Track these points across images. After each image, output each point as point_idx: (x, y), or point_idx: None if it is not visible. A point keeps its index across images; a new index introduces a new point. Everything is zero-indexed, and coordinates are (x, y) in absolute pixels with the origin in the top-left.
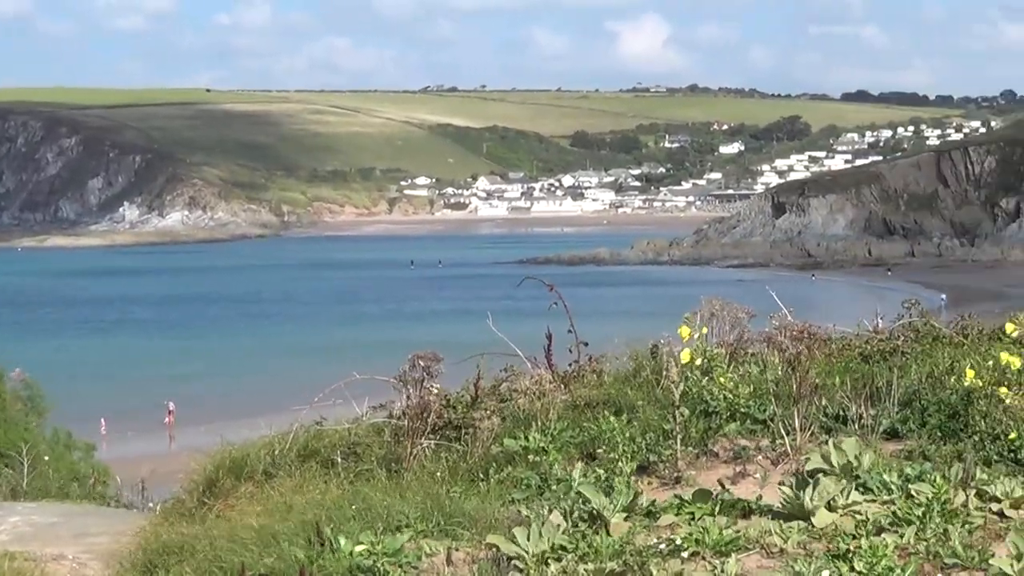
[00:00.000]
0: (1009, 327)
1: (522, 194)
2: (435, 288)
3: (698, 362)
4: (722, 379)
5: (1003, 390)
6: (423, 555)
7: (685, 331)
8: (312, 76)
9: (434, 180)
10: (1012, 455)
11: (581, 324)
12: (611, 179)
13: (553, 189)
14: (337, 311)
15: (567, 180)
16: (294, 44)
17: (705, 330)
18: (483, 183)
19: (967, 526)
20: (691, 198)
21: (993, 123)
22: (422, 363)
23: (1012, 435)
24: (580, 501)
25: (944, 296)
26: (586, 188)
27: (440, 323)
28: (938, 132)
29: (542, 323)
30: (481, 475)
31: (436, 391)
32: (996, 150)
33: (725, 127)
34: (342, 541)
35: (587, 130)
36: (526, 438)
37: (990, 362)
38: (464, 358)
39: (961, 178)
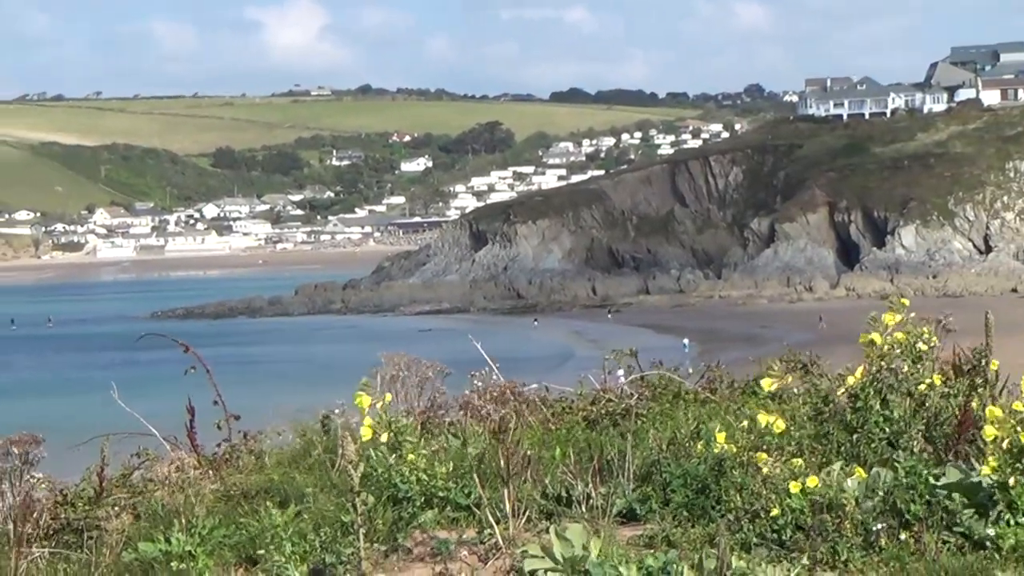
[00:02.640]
0: (766, 383)
1: (153, 229)
2: (42, 352)
3: (383, 437)
4: (412, 456)
5: (761, 456)
6: None
7: (364, 399)
8: None
9: (39, 214)
10: (775, 536)
11: (233, 393)
12: (266, 207)
13: (192, 222)
14: None
15: (210, 210)
16: None
17: (389, 397)
18: (102, 216)
19: None
20: (368, 228)
21: (737, 126)
22: (16, 449)
23: (774, 511)
24: None
25: (687, 341)
26: (235, 220)
27: (49, 397)
28: (671, 138)
29: (182, 393)
30: None
31: (46, 485)
32: (742, 159)
33: (407, 138)
34: None
35: (232, 146)
36: (167, 540)
37: (744, 422)
38: (82, 441)
39: (702, 195)
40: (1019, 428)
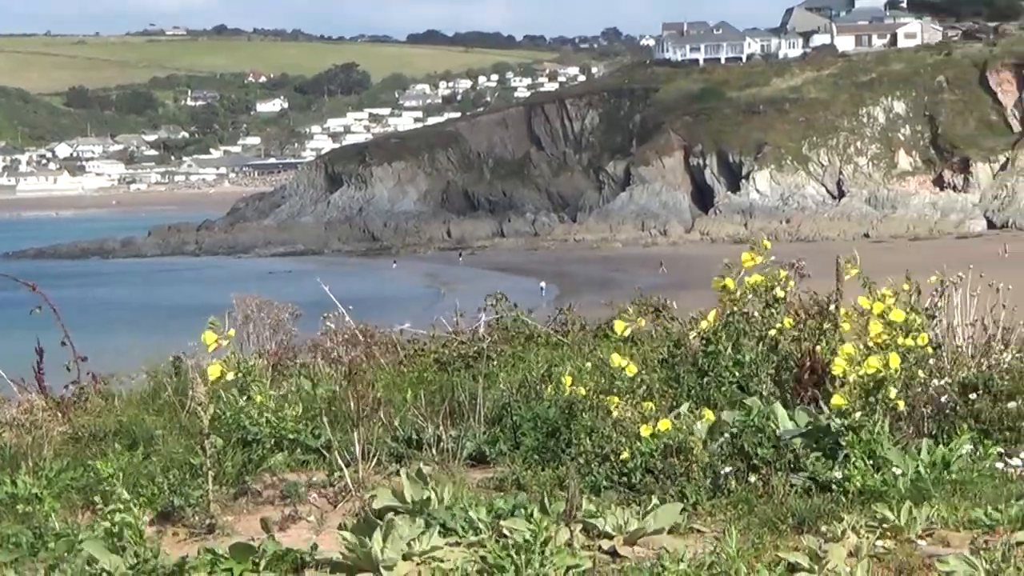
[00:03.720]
0: (619, 325)
1: (4, 169)
2: None
3: (231, 377)
4: (261, 399)
5: (613, 400)
6: None
7: (210, 337)
8: None
9: None
10: (624, 479)
11: (83, 334)
12: (120, 148)
13: (44, 162)
14: None
15: (62, 150)
16: None
17: (232, 332)
18: None
19: (573, 570)
20: (223, 169)
21: (594, 69)
22: None
23: (624, 454)
24: (86, 562)
25: (544, 284)
26: (88, 160)
27: None
28: (528, 81)
29: (30, 335)
30: None
31: None
32: (598, 103)
33: (263, 79)
34: None
35: (86, 85)
36: (13, 483)
37: (588, 364)
38: None
39: (558, 138)
40: (865, 361)
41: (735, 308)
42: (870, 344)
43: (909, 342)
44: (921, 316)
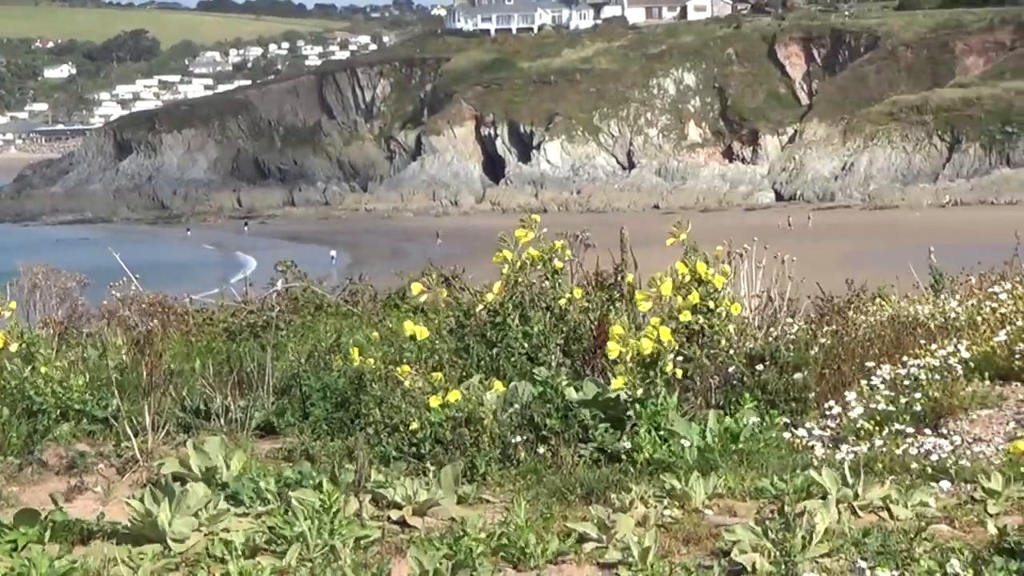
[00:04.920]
0: (416, 288)
1: None
2: None
3: (14, 347)
4: (46, 368)
5: (404, 370)
6: None
7: None
8: None
9: None
10: (414, 450)
11: None
12: None
13: None
14: None
15: None
16: None
17: (14, 304)
18: None
19: (361, 541)
20: (9, 135)
21: (386, 39)
22: None
23: (413, 425)
24: None
25: (334, 253)
26: None
27: None
28: (319, 50)
29: None
30: None
31: None
32: (390, 72)
33: (51, 44)
34: None
35: None
36: None
37: (375, 333)
38: None
39: (349, 107)
40: (639, 340)
41: (518, 280)
42: (662, 315)
43: (712, 315)
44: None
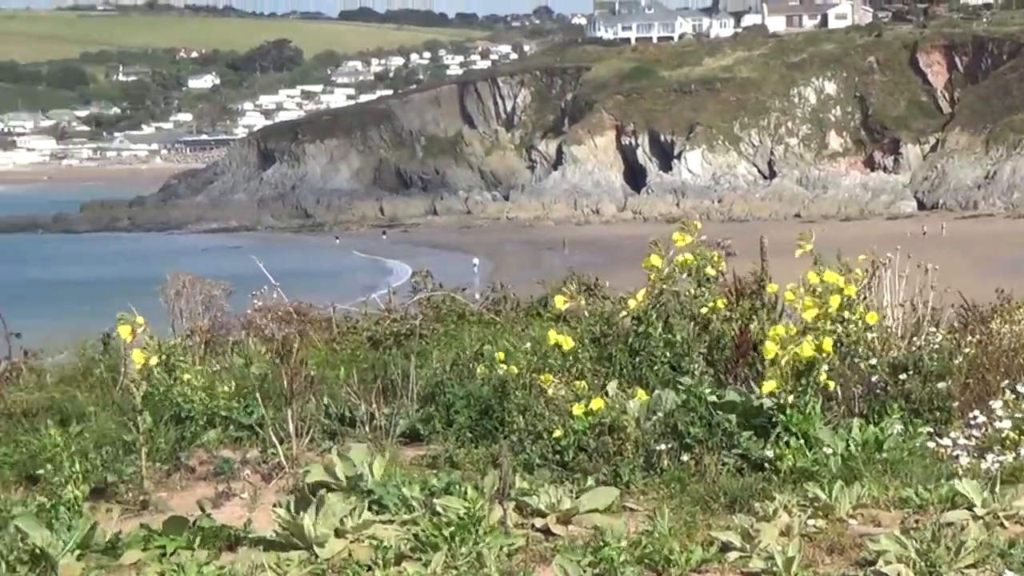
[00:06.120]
0: (558, 300)
1: None
2: None
3: (154, 362)
4: (189, 376)
5: (547, 378)
6: None
7: (124, 330)
8: None
9: None
10: (558, 457)
11: (14, 310)
12: (51, 123)
13: None
14: None
15: None
16: None
17: (141, 320)
18: None
19: (506, 548)
20: (155, 146)
21: (526, 48)
22: None
23: (557, 433)
24: (19, 538)
25: (477, 261)
26: (19, 135)
27: None
28: (460, 59)
29: None
30: None
31: None
32: (531, 81)
33: (194, 55)
34: None
35: (17, 60)
36: None
37: (528, 344)
38: None
39: (490, 116)
40: (798, 347)
41: (664, 287)
42: (805, 324)
43: (850, 322)
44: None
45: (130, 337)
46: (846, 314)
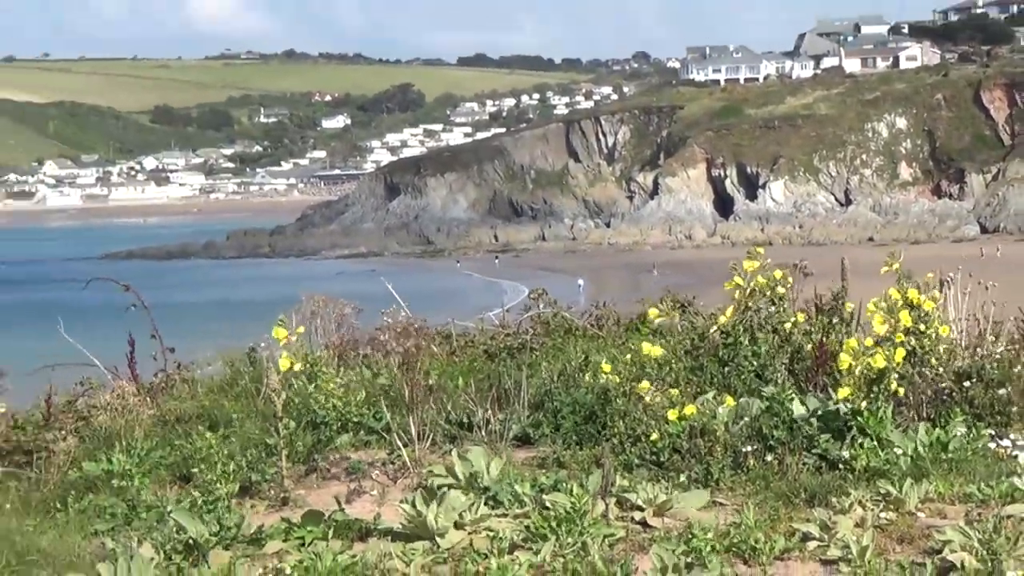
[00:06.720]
0: (652, 313)
1: (98, 180)
2: None
3: (298, 367)
4: (329, 385)
5: (644, 386)
6: None
7: (280, 332)
8: None
9: None
10: (654, 458)
11: (169, 327)
12: (200, 160)
13: (134, 173)
14: None
15: (149, 163)
16: None
17: (302, 329)
18: (51, 168)
19: (608, 539)
20: (292, 180)
21: (626, 89)
22: None
23: (653, 436)
24: (175, 530)
25: (582, 281)
26: (172, 171)
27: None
28: (566, 100)
29: (123, 328)
30: (58, 505)
31: (1, 410)
32: (630, 119)
33: (328, 98)
34: None
35: (170, 104)
36: (109, 460)
37: (628, 356)
38: (32, 370)
39: (593, 151)
40: (870, 358)
41: (748, 305)
42: (876, 337)
43: (924, 335)
44: (934, 310)
45: (284, 340)
46: (921, 327)
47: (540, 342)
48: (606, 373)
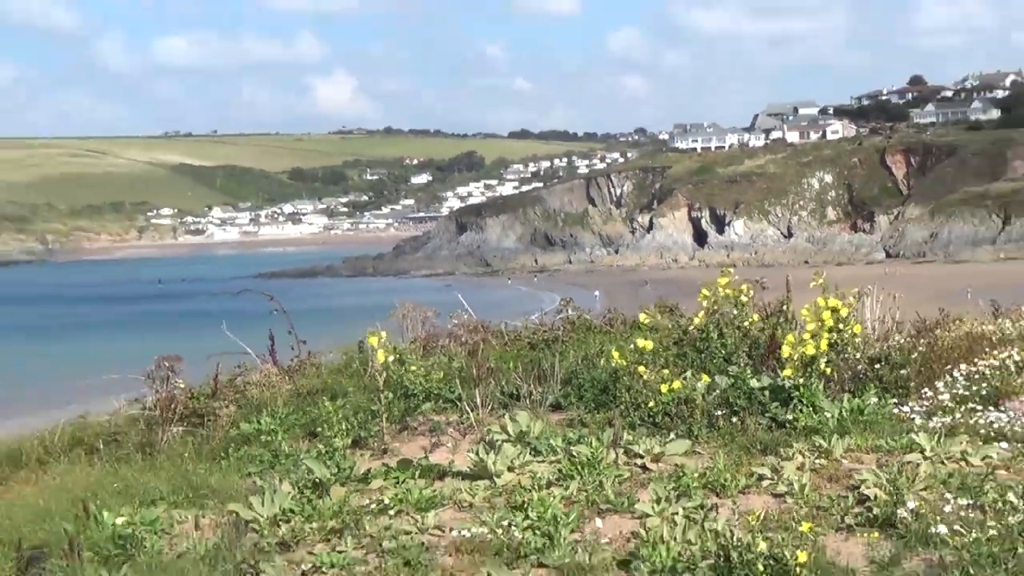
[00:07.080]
0: (643, 317)
1: (251, 220)
2: (179, 300)
3: (391, 359)
4: (415, 368)
5: (642, 368)
6: (175, 523)
7: (373, 338)
8: (59, 126)
9: (176, 211)
10: (651, 420)
11: (301, 327)
12: (324, 207)
13: (276, 216)
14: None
15: (287, 208)
16: (29, 97)
17: (386, 333)
18: (217, 212)
19: (618, 478)
20: (390, 221)
21: (629, 154)
22: (166, 363)
23: (651, 404)
24: (305, 472)
25: (598, 293)
26: (303, 214)
27: (180, 331)
28: (587, 162)
29: (267, 327)
30: (222, 454)
31: (181, 386)
32: (632, 176)
33: (415, 161)
34: (105, 514)
35: (303, 166)
36: (259, 422)
37: (632, 346)
38: (205, 358)
39: (606, 199)
40: (803, 347)
41: (716, 310)
42: (810, 332)
43: (844, 331)
44: (851, 313)
45: (376, 343)
46: (841, 326)
47: (568, 336)
48: (615, 359)
